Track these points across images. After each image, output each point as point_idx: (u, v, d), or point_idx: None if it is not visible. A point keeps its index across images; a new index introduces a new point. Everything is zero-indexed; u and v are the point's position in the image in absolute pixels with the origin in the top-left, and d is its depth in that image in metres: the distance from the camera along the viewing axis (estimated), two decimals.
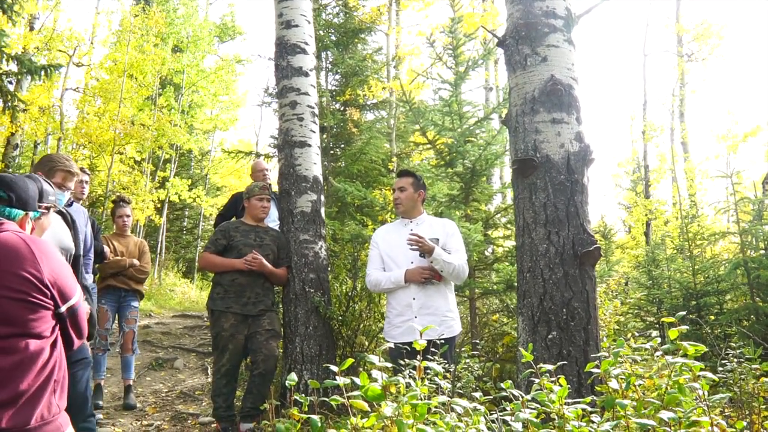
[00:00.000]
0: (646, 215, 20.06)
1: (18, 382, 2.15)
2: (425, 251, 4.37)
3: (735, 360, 3.80)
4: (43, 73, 9.81)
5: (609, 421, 2.21)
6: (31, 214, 2.55)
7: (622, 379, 2.41)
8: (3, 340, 2.17)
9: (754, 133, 19.33)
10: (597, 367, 2.57)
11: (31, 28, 16.14)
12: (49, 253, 2.35)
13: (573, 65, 3.93)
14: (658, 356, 2.45)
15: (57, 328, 2.35)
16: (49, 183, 2.69)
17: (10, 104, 10.41)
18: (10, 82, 11.42)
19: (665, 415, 2.08)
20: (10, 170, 14.03)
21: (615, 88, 61.16)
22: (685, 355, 2.35)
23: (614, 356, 2.51)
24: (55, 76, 13.12)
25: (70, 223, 4.06)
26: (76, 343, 2.48)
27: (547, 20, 3.90)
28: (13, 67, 9.84)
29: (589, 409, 2.33)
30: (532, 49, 3.89)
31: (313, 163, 5.82)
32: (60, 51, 17.10)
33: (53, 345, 2.32)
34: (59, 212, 4.03)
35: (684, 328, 2.46)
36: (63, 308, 2.33)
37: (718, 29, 20.90)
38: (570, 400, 2.34)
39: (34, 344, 2.22)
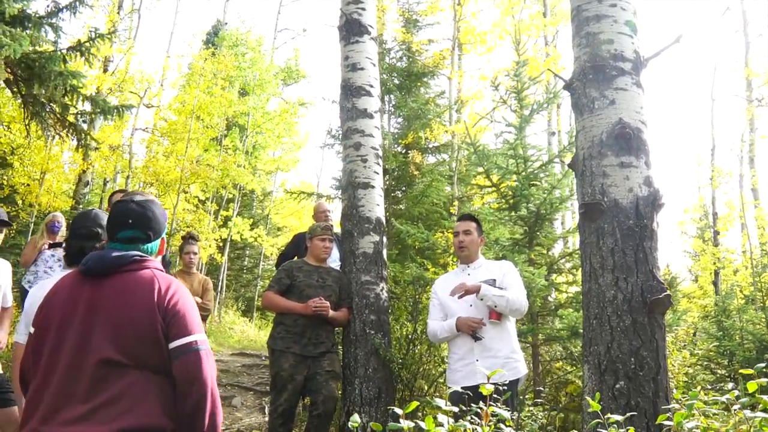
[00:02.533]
0: (714, 264, 19.41)
1: (140, 411, 2.13)
2: (472, 292, 4.32)
3: None
4: (115, 113, 10.14)
5: None
6: (164, 235, 2.50)
7: None
8: (126, 369, 2.15)
9: None
10: (669, 419, 2.47)
11: (105, 70, 16.78)
12: (179, 291, 2.31)
13: (642, 108, 3.87)
14: (735, 410, 2.34)
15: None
16: None
17: (83, 143, 10.80)
18: (84, 121, 11.87)
19: None
20: (80, 206, 14.49)
21: (681, 132, 59.95)
22: (765, 410, 2.24)
23: (688, 408, 2.41)
24: (126, 116, 13.56)
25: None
26: (184, 398, 2.20)
27: (615, 63, 3.87)
28: (87, 106, 10.19)
29: None
30: (600, 92, 3.85)
31: (376, 205, 5.84)
32: (131, 92, 17.78)
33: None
34: None
35: (763, 380, 2.35)
36: (172, 345, 2.21)
37: None
38: None
39: (156, 378, 2.20)
